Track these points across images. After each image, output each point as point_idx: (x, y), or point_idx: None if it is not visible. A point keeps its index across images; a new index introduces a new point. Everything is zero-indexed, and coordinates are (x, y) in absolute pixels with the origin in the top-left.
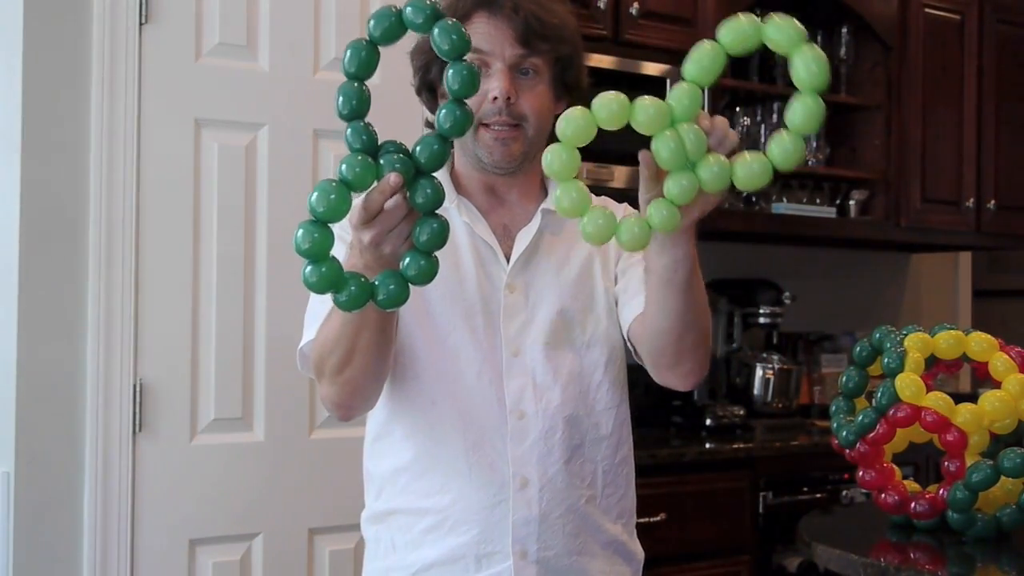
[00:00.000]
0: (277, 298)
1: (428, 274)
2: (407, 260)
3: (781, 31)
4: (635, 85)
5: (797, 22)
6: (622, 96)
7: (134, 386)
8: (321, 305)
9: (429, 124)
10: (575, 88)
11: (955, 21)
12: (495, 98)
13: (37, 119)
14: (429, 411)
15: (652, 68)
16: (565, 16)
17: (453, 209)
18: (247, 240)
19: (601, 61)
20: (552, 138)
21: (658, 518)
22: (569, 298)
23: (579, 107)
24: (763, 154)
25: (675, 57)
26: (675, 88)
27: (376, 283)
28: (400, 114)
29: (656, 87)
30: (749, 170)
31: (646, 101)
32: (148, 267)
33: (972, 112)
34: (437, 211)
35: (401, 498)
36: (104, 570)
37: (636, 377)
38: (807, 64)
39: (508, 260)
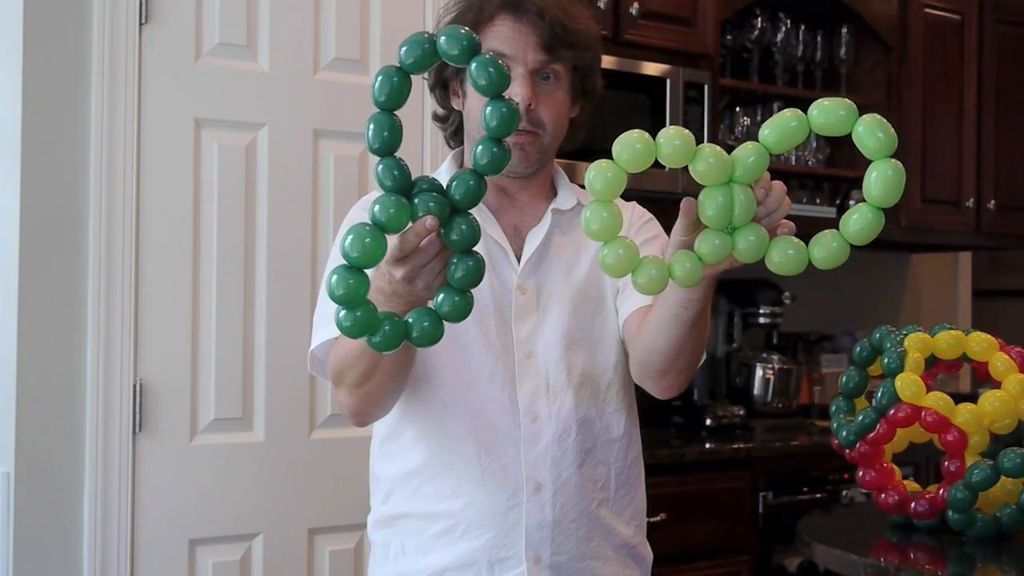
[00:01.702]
0: (277, 298)
1: (463, 311)
2: (441, 297)
3: (873, 135)
4: (635, 85)
5: (891, 129)
6: (688, 135)
7: (134, 386)
8: (332, 307)
9: (436, 118)
10: (591, 94)
11: (955, 21)
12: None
13: (37, 119)
14: (441, 414)
15: (652, 68)
16: (588, 22)
17: None
18: (247, 240)
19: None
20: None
21: (658, 518)
22: (580, 298)
23: (639, 132)
24: (804, 245)
25: (675, 57)
26: (745, 146)
27: (410, 321)
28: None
29: (656, 87)
30: (784, 256)
31: (707, 151)
32: (148, 267)
33: (972, 112)
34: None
35: (412, 502)
36: (104, 570)
37: None
38: (883, 179)
39: (519, 261)
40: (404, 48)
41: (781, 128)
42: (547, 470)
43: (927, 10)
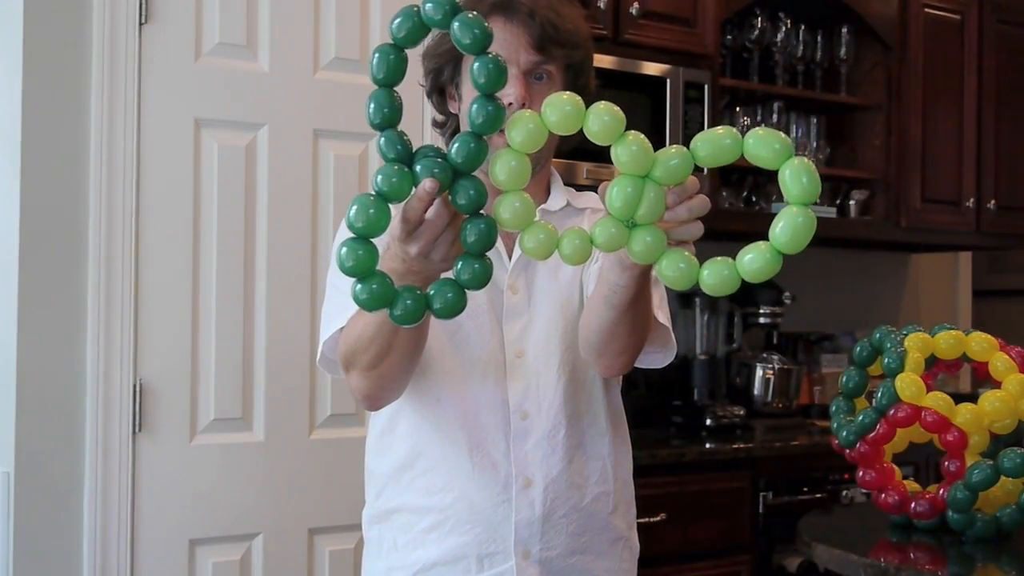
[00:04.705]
0: (277, 298)
1: (483, 277)
2: (460, 265)
3: (798, 180)
4: (635, 85)
5: (817, 178)
6: (619, 115)
7: (134, 386)
8: (342, 299)
9: (436, 124)
10: (584, 92)
11: (955, 21)
12: (510, 103)
13: (37, 119)
14: (434, 409)
15: (652, 68)
16: (579, 22)
17: None
18: (247, 240)
19: (601, 61)
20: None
21: (658, 518)
22: (566, 297)
23: (571, 95)
24: (697, 264)
25: (675, 57)
26: (671, 147)
27: (431, 293)
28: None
29: (656, 87)
30: (674, 269)
31: (631, 139)
32: (148, 267)
33: (972, 112)
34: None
35: (404, 496)
36: (104, 570)
37: (636, 377)
38: (793, 226)
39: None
40: (396, 22)
41: (714, 144)
42: (537, 466)
43: (927, 10)
